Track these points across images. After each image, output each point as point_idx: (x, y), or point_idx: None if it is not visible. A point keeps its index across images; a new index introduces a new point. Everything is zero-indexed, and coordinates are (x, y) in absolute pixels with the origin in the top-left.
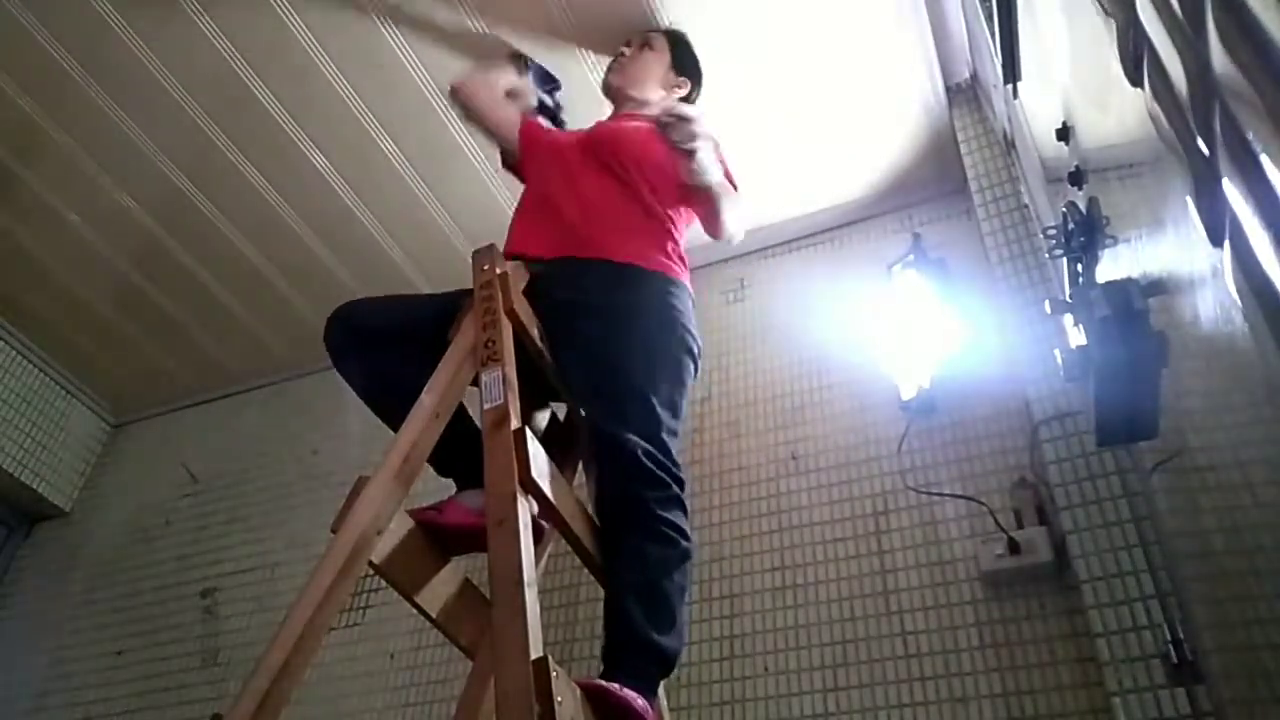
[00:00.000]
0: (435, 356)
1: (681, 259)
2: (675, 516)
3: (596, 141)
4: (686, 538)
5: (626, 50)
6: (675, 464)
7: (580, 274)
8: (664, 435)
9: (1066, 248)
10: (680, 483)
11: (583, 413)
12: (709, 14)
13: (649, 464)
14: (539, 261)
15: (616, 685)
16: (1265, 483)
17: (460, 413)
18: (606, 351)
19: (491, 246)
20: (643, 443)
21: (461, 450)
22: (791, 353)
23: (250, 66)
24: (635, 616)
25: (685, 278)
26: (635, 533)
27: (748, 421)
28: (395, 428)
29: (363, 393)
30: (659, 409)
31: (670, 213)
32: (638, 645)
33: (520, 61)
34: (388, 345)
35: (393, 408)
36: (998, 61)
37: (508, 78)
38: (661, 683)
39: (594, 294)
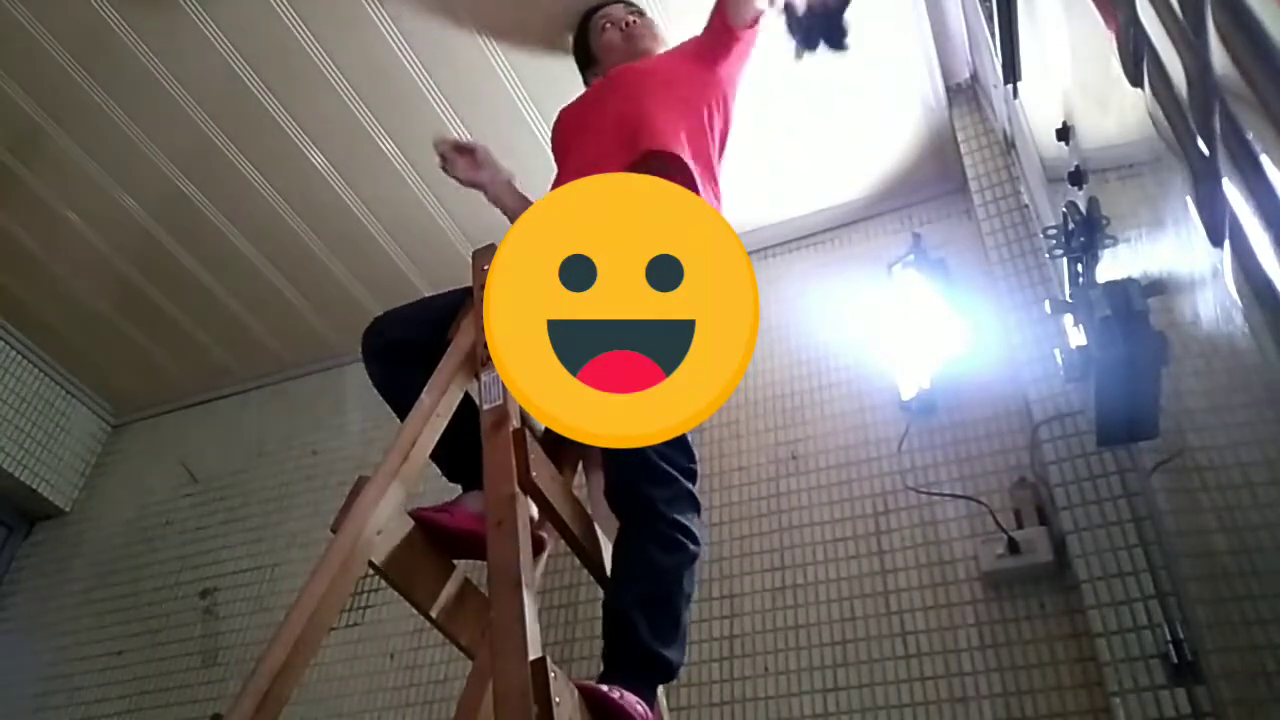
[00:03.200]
0: (438, 359)
1: None
2: (685, 517)
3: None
4: (696, 541)
5: (635, 20)
6: (688, 455)
7: None
8: None
9: (1066, 248)
10: (691, 475)
11: None
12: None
13: (656, 458)
14: None
15: (617, 693)
16: (1265, 483)
17: (471, 415)
18: None
19: (491, 246)
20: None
21: (471, 454)
22: (791, 353)
23: (250, 66)
24: (639, 627)
25: None
26: (642, 536)
27: (748, 421)
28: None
29: (392, 405)
30: None
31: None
32: (640, 656)
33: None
34: (410, 357)
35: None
36: (998, 61)
37: None
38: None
39: None
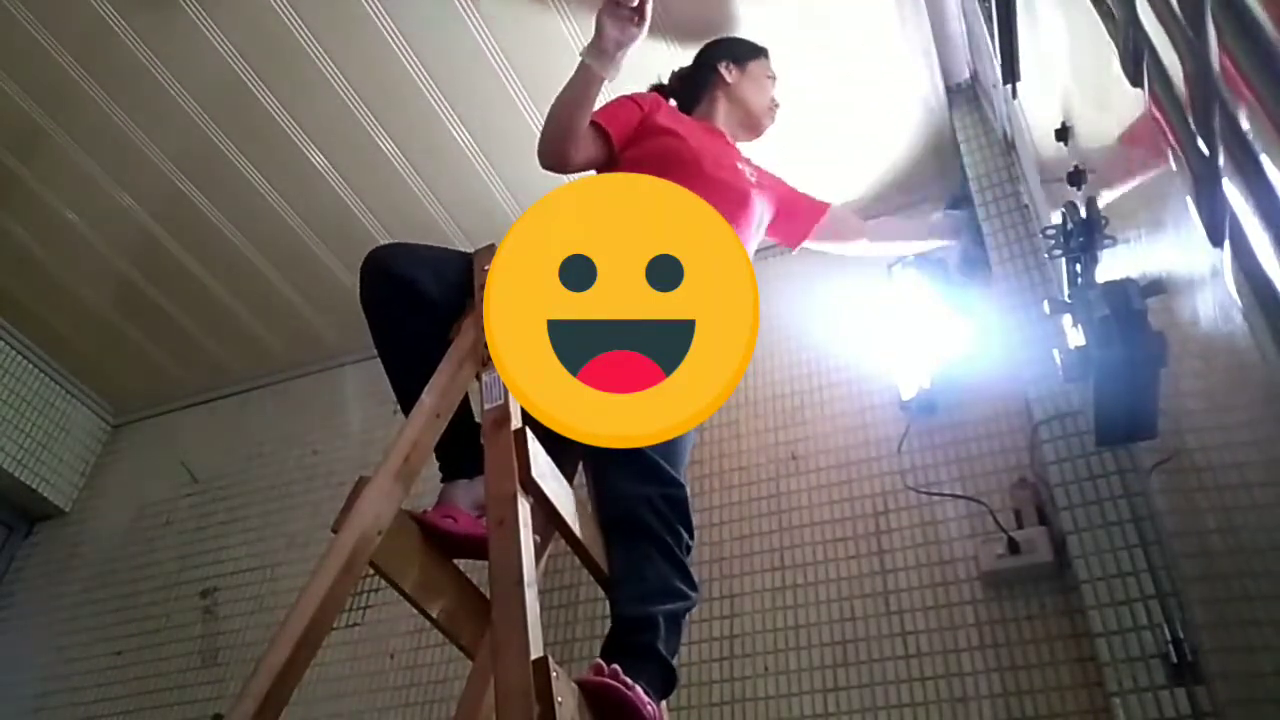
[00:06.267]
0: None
1: None
2: (690, 568)
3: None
4: (695, 587)
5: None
6: (689, 522)
7: None
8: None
9: (1066, 248)
10: (690, 534)
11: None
12: (709, 14)
13: (688, 507)
14: None
15: (629, 680)
16: (1264, 483)
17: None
18: None
19: (491, 246)
20: (685, 486)
21: (465, 446)
22: (791, 353)
23: (250, 66)
24: (660, 634)
25: None
26: (669, 563)
27: (748, 421)
28: (403, 393)
29: (391, 351)
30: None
31: None
32: (657, 660)
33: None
34: (433, 313)
35: (415, 376)
36: (998, 61)
37: None
38: None
39: None
